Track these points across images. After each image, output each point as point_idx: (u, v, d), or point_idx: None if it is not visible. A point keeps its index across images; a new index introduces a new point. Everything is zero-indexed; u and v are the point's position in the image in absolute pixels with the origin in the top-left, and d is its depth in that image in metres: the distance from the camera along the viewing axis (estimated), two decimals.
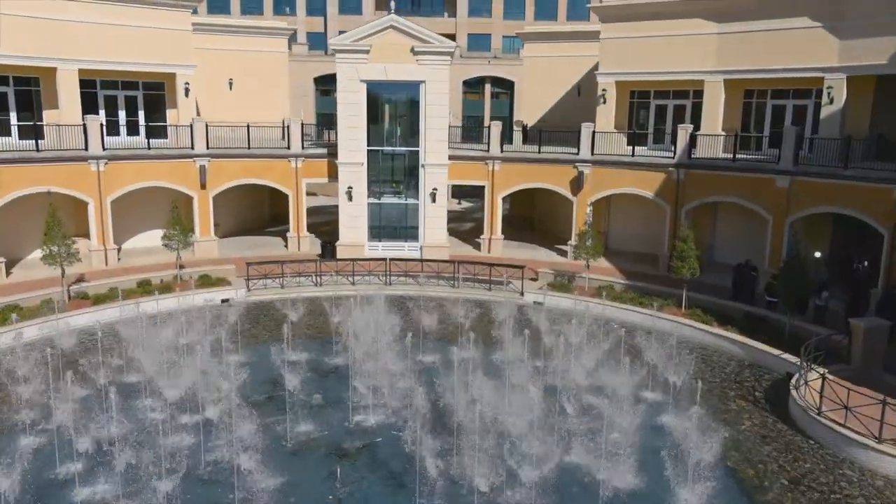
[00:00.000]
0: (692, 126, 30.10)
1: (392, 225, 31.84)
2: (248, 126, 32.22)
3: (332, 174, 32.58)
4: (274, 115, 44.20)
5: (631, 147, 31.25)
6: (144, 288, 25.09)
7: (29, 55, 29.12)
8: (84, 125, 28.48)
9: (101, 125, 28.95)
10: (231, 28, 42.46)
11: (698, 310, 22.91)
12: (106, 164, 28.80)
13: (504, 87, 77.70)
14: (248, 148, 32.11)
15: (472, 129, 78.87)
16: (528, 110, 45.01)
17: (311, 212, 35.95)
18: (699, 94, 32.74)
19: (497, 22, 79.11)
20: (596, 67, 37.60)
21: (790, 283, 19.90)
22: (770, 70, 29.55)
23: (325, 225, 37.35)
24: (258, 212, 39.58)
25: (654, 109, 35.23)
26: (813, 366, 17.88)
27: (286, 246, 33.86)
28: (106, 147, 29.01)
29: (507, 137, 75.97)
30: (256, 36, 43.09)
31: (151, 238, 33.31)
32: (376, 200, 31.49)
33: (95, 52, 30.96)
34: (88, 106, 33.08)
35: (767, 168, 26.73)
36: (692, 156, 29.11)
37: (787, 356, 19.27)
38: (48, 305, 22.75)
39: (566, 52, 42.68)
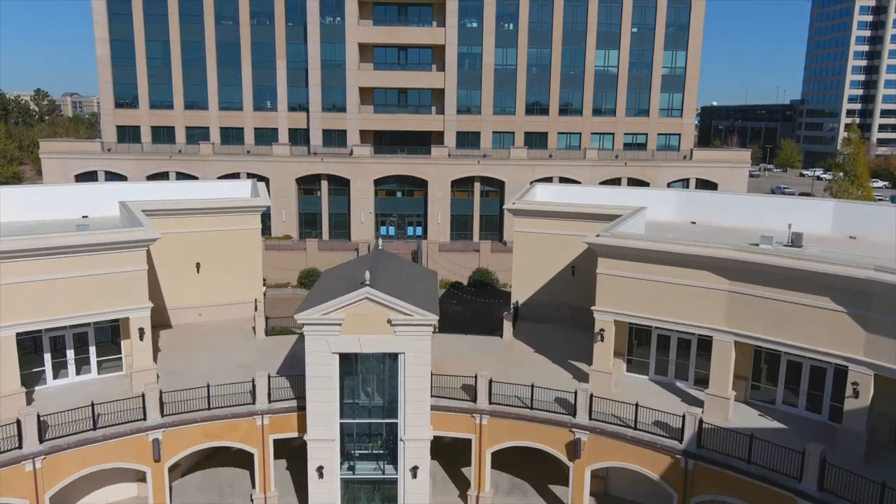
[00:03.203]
0: (700, 410, 27.11)
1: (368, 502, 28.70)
2: (207, 385, 28.95)
3: (304, 428, 29.38)
4: (245, 295, 41.25)
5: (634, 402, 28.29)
6: None
7: None
8: (18, 421, 25.19)
9: (38, 417, 25.61)
10: (199, 210, 39.32)
11: None
12: (44, 458, 25.56)
13: (494, 186, 74.99)
14: (209, 409, 28.85)
15: (461, 227, 76.58)
16: (520, 287, 41.93)
17: None
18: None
19: (487, 119, 76.32)
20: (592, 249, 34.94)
21: None
22: (787, 345, 26.67)
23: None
24: None
25: (656, 338, 32.30)
26: None
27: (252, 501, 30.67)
28: (45, 438, 25.75)
29: (497, 237, 74.12)
30: (226, 215, 40.01)
31: (104, 496, 30.27)
32: (350, 475, 28.34)
33: (36, 312, 27.84)
34: (31, 349, 30.05)
35: (789, 485, 23.75)
36: (701, 444, 26.11)
37: None
38: None
39: (559, 229, 39.84)
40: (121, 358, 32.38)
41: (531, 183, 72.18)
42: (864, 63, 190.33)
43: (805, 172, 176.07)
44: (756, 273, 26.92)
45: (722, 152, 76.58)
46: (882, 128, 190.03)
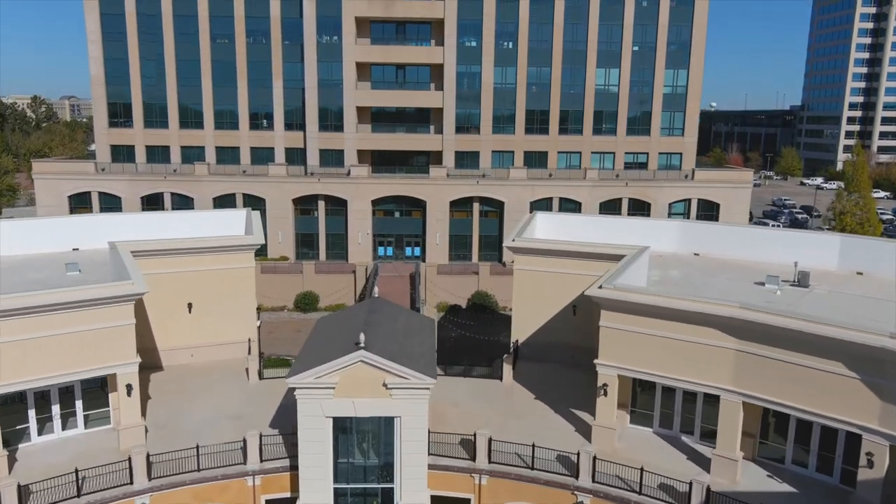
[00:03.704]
0: (708, 478, 26.18)
1: None
2: (197, 446, 27.98)
3: (298, 489, 28.37)
4: (239, 335, 40.29)
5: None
6: None
7: None
8: None
9: (19, 486, 24.64)
10: (190, 250, 38.32)
11: None
12: None
13: (493, 206, 74.03)
14: (198, 469, 27.87)
15: (460, 247, 75.57)
16: (520, 325, 40.98)
17: None
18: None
19: (486, 138, 75.39)
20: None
21: None
22: (798, 409, 25.70)
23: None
24: None
25: (660, 390, 31.33)
26: None
27: None
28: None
29: (496, 257, 73.15)
30: (218, 253, 39.04)
31: None
32: None
33: (16, 372, 26.78)
34: (17, 398, 29.04)
35: None
36: None
37: None
38: None
39: (560, 267, 38.94)
40: (109, 411, 31.35)
41: (530, 205, 71.75)
42: (864, 70, 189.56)
43: (806, 181, 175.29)
44: (764, 333, 25.98)
45: (724, 172, 75.67)
46: (883, 135, 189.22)
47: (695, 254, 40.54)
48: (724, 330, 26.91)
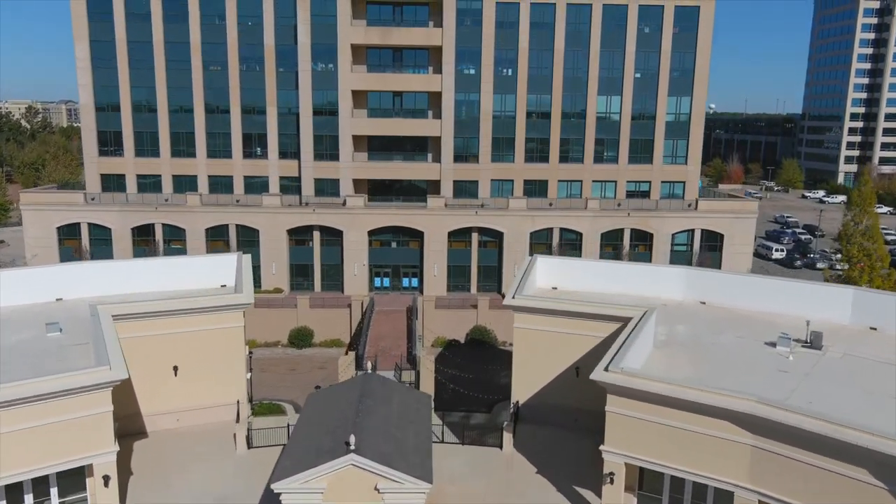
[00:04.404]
0: None
1: None
2: None
3: None
4: (227, 396, 38.65)
5: None
6: None
7: None
8: None
9: None
10: (175, 311, 36.67)
11: None
12: None
13: (492, 236, 72.44)
14: None
15: (458, 277, 73.97)
16: (520, 386, 39.36)
17: None
18: None
19: (485, 167, 73.72)
20: (597, 350, 32.78)
21: None
22: None
23: None
24: None
25: (668, 480, 29.67)
26: None
27: None
28: None
29: (496, 287, 71.49)
30: (205, 314, 37.39)
31: None
32: None
33: None
34: None
35: None
36: None
37: None
38: None
39: (563, 327, 37.43)
40: (86, 496, 29.61)
41: (530, 235, 70.18)
42: (865, 80, 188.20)
43: (807, 194, 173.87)
44: (783, 431, 24.36)
45: (728, 202, 74.05)
46: (885, 146, 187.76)
47: (701, 302, 39.19)
48: (739, 424, 25.30)
